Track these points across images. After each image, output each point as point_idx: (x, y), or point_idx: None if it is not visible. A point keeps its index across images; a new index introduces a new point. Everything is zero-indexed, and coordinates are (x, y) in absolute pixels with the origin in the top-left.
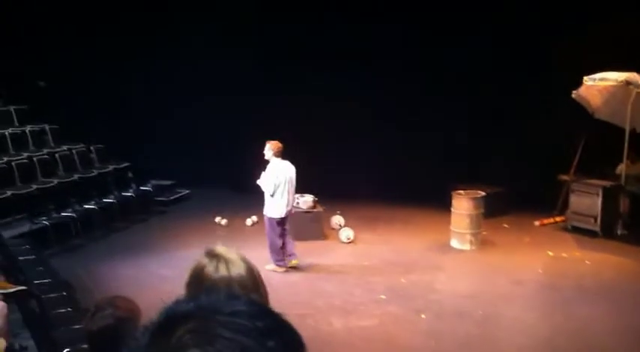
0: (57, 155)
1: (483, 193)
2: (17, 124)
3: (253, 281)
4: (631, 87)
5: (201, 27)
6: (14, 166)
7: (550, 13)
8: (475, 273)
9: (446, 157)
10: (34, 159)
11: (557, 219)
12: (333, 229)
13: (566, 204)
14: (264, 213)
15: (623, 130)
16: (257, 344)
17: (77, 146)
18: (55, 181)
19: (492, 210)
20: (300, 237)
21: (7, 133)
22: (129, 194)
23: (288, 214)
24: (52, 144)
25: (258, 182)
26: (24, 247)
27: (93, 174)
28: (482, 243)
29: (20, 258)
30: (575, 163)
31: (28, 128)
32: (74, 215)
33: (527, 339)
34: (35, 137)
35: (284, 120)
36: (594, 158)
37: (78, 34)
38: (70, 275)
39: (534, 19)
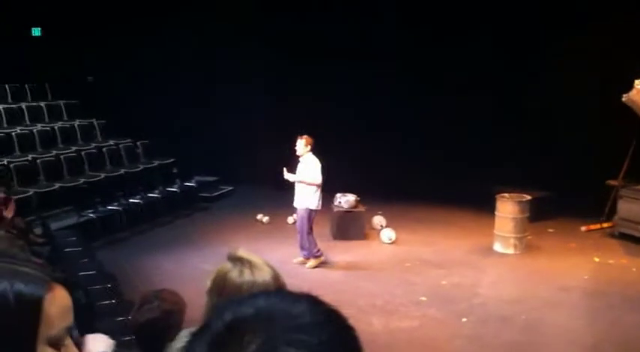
0: (104, 149)
1: (529, 197)
2: (66, 119)
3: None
4: None
5: (246, 26)
6: (63, 160)
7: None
8: (519, 278)
9: (491, 159)
10: (82, 153)
11: (604, 225)
12: (375, 229)
13: (613, 210)
14: (302, 206)
15: None
16: None
17: (124, 141)
18: (102, 175)
19: (537, 215)
20: (342, 236)
21: (56, 127)
22: (173, 189)
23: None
24: (100, 139)
25: (294, 177)
26: (71, 239)
27: (138, 169)
28: (526, 247)
29: (67, 249)
30: (624, 168)
31: (76, 122)
32: (120, 208)
33: (571, 346)
34: (83, 131)
35: (326, 120)
36: None
37: (126, 30)
38: (114, 268)
39: (583, 16)
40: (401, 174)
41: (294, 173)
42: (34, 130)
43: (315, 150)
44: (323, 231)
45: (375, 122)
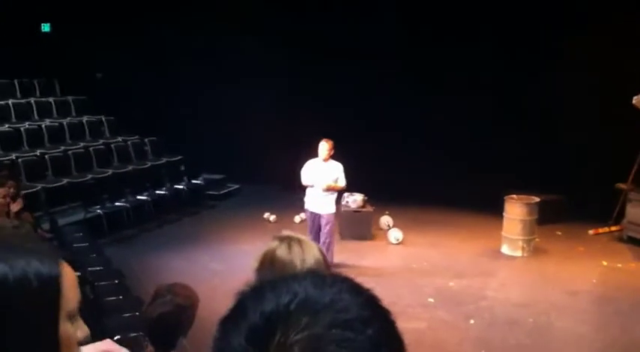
0: (112, 146)
1: (537, 199)
2: (75, 114)
3: (325, 269)
4: None
5: (255, 24)
6: (71, 155)
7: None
8: (527, 281)
9: (500, 162)
10: (90, 149)
11: (613, 228)
12: (382, 229)
13: (622, 214)
14: (329, 211)
15: None
16: None
17: (132, 138)
18: (110, 171)
19: (546, 217)
20: (349, 236)
21: (64, 123)
22: (181, 187)
23: None
24: (108, 135)
25: (331, 183)
26: (78, 234)
27: (146, 165)
28: (534, 250)
29: (74, 244)
30: (633, 172)
31: (85, 118)
32: (127, 205)
33: (579, 351)
34: (92, 127)
35: (332, 119)
36: None
37: (136, 27)
38: (121, 265)
39: (583, 18)
40: (409, 174)
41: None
42: (43, 126)
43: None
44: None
45: (381, 122)
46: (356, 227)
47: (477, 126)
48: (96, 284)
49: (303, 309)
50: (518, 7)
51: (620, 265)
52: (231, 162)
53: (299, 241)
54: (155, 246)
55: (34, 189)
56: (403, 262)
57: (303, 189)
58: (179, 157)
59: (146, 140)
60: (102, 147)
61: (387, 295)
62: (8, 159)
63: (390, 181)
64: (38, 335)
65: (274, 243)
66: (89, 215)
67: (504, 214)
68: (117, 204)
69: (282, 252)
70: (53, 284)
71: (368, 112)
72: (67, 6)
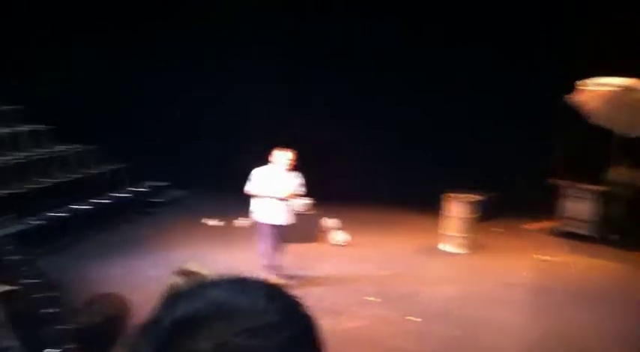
0: (52, 155)
1: (475, 197)
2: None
3: None
4: (630, 93)
5: (198, 25)
6: (10, 165)
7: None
8: (464, 276)
9: (438, 161)
10: (30, 159)
11: (548, 223)
12: (325, 231)
13: (558, 209)
14: (287, 221)
15: (617, 134)
16: None
17: (72, 146)
18: (50, 181)
19: (483, 214)
20: (293, 239)
21: (2, 132)
22: (124, 195)
23: None
24: (48, 145)
25: (290, 192)
26: (9, 247)
27: (88, 174)
28: (473, 246)
29: (6, 257)
30: (566, 168)
31: (24, 128)
32: (67, 214)
33: (515, 342)
34: (31, 137)
35: (276, 123)
36: (588, 162)
37: (75, 33)
38: (58, 276)
39: (532, 17)
40: (352, 176)
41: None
42: None
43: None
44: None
45: (322, 126)
46: (300, 229)
47: (418, 128)
48: (30, 296)
49: (214, 316)
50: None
51: (555, 258)
52: (178, 169)
53: (200, 275)
54: (94, 255)
55: None
56: (345, 263)
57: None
58: (122, 165)
59: (88, 148)
60: (42, 156)
61: (328, 295)
62: None
63: (334, 183)
64: None
65: (176, 279)
66: (24, 226)
67: (443, 212)
68: (54, 214)
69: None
70: None
71: (312, 116)
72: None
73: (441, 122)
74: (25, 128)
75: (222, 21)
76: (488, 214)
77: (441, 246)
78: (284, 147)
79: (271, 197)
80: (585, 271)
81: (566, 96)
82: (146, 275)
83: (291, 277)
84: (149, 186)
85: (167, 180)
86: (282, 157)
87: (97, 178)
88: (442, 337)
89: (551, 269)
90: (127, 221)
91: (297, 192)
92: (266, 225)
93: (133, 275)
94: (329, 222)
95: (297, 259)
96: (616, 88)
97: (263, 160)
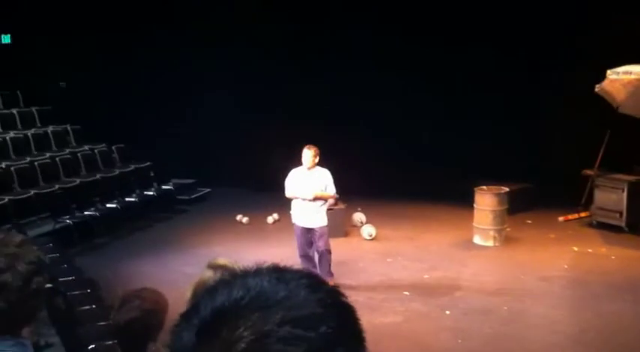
0: (79, 155)
1: (507, 189)
2: (39, 125)
3: None
4: None
5: (227, 25)
6: (37, 166)
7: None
8: (500, 270)
9: (469, 153)
10: (57, 159)
11: (582, 214)
12: (355, 226)
13: (590, 200)
14: (321, 224)
15: None
16: None
17: (99, 146)
18: (78, 181)
19: (516, 207)
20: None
21: (29, 134)
22: (151, 193)
23: None
24: (74, 144)
25: (314, 193)
26: (47, 245)
27: (115, 173)
28: (505, 239)
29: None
30: (599, 158)
31: (50, 129)
32: (97, 214)
33: (555, 336)
34: (57, 137)
35: (302, 117)
36: (619, 153)
37: (97, 34)
38: (93, 274)
39: (546, 14)
40: (379, 170)
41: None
42: (7, 137)
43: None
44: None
45: (351, 119)
46: (329, 225)
47: (446, 121)
48: (68, 294)
49: (254, 305)
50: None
51: (590, 250)
52: (201, 166)
53: (233, 270)
54: (126, 253)
55: (2, 202)
56: (377, 257)
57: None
58: (148, 163)
59: (113, 148)
60: (68, 156)
61: (363, 290)
62: None
63: (361, 178)
64: None
65: (208, 273)
66: (58, 225)
67: (475, 205)
68: (86, 213)
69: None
70: None
71: (339, 110)
72: (27, 16)
73: (470, 113)
74: (52, 128)
75: (241, 17)
76: (520, 206)
77: (475, 240)
78: (309, 145)
79: (301, 198)
80: (621, 262)
81: (597, 85)
82: (181, 272)
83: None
84: (175, 184)
85: (192, 177)
86: (304, 155)
87: (123, 177)
88: (481, 332)
89: (588, 262)
90: (157, 219)
91: (323, 194)
92: (299, 228)
93: (166, 272)
94: (359, 216)
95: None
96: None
97: (288, 159)
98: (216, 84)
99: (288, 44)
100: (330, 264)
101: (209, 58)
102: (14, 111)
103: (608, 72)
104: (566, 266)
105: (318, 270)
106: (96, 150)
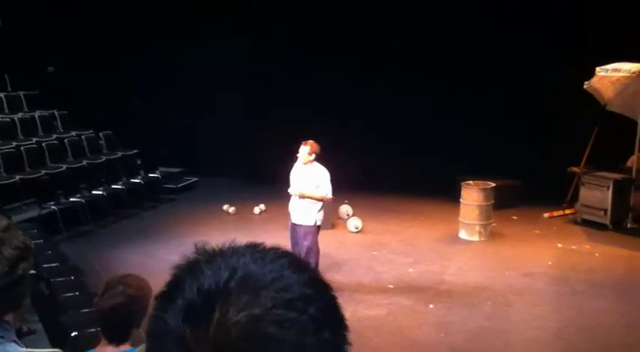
0: (66, 141)
1: (493, 184)
2: (26, 110)
3: None
4: None
5: (212, 15)
6: (23, 151)
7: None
8: (484, 265)
9: (455, 149)
10: (43, 144)
11: (567, 211)
12: (341, 219)
13: (575, 197)
14: (308, 222)
15: (635, 122)
16: (315, 340)
17: (86, 132)
18: (64, 167)
19: (501, 202)
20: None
21: (16, 118)
22: (137, 181)
23: None
24: (61, 130)
25: (299, 190)
26: (32, 231)
27: (101, 160)
28: (491, 234)
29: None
30: (585, 155)
31: (37, 113)
32: (83, 200)
33: (537, 331)
34: (44, 123)
35: (292, 110)
36: (606, 150)
37: (86, 19)
38: (78, 261)
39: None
40: (366, 163)
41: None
42: None
43: (330, 159)
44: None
45: (340, 112)
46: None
47: (433, 115)
48: (52, 280)
49: (244, 287)
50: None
51: (574, 247)
52: (188, 155)
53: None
54: (112, 241)
55: None
56: (363, 250)
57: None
58: (135, 151)
59: (100, 134)
60: (55, 142)
61: (347, 283)
62: None
63: (348, 170)
64: None
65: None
66: (44, 211)
67: (461, 200)
68: (72, 199)
69: None
70: None
71: (326, 103)
72: (16, 0)
73: (458, 108)
74: (38, 113)
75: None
76: (506, 202)
77: (461, 234)
78: (307, 141)
79: (291, 193)
80: (604, 260)
81: (585, 82)
82: (166, 261)
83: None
84: (162, 172)
85: (179, 166)
86: (301, 151)
87: (110, 164)
88: (464, 327)
89: (572, 258)
90: (143, 207)
91: (310, 193)
92: (290, 223)
93: (152, 260)
94: (346, 209)
95: None
96: (631, 74)
97: (277, 150)
98: (206, 73)
99: (280, 37)
100: (315, 264)
101: (199, 47)
102: (1, 95)
103: (597, 69)
104: (550, 263)
105: None
106: (83, 137)
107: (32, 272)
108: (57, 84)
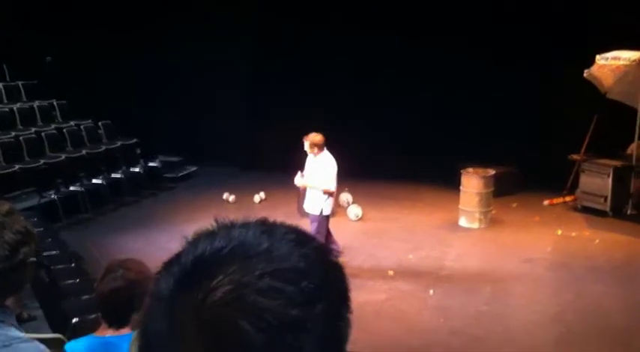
0: (65, 130)
1: (493, 172)
2: (25, 99)
3: None
4: None
5: (212, 15)
6: (22, 141)
7: None
8: (484, 251)
9: (455, 136)
10: (42, 134)
11: (567, 198)
12: (341, 206)
13: (576, 184)
14: (315, 211)
15: (635, 110)
16: (301, 313)
17: (85, 122)
18: (63, 156)
19: (501, 189)
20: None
21: (15, 108)
22: (137, 170)
23: None
24: (60, 120)
25: (303, 181)
26: (32, 219)
27: (101, 149)
28: (491, 221)
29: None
30: (586, 143)
31: (36, 103)
32: (82, 189)
33: (536, 315)
34: (43, 112)
35: (292, 110)
36: (606, 138)
37: (86, 9)
38: (78, 248)
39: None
40: (367, 151)
41: (302, 173)
42: None
43: (328, 147)
44: (289, 208)
45: (340, 112)
46: None
47: (433, 103)
48: (52, 267)
49: (235, 255)
50: None
51: (574, 234)
52: (188, 144)
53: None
54: (112, 228)
55: None
56: (363, 237)
57: None
58: (134, 140)
59: (100, 123)
60: (54, 131)
61: (348, 269)
62: None
63: (348, 158)
64: None
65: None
66: (43, 200)
67: (461, 187)
68: (71, 188)
69: None
70: None
71: (326, 91)
72: None
73: (458, 96)
74: (37, 103)
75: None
76: (506, 189)
77: (461, 222)
78: (311, 133)
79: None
80: (604, 246)
81: (585, 70)
82: (165, 248)
83: None
84: (162, 162)
85: (179, 155)
86: (305, 143)
87: (109, 153)
88: (463, 312)
89: (572, 245)
90: (142, 196)
91: (307, 183)
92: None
93: (152, 248)
94: (346, 197)
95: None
96: (631, 62)
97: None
98: (206, 62)
99: (280, 37)
100: None
101: (199, 47)
102: (0, 85)
103: (597, 57)
104: (549, 249)
105: None
106: (82, 126)
107: (33, 259)
108: (56, 74)
